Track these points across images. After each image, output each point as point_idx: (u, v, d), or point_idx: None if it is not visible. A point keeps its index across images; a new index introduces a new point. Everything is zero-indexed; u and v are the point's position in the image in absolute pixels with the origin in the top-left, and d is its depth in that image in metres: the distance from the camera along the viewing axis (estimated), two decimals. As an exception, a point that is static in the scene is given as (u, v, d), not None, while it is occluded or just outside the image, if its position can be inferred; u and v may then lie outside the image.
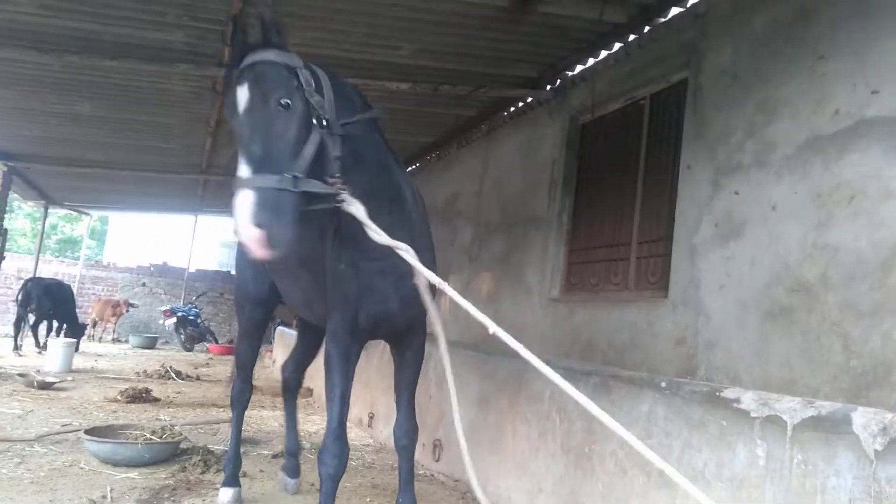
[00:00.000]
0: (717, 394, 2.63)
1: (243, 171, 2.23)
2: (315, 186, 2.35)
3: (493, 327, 2.35)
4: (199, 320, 16.84)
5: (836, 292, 3.25)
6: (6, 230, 9.64)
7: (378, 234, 2.48)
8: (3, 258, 9.69)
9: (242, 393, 4.32)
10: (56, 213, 21.74)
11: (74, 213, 20.04)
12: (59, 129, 7.76)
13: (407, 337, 3.41)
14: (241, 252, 4.26)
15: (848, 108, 3.31)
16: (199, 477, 4.56)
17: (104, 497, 3.89)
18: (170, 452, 4.84)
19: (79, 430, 5.23)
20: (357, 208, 2.47)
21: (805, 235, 3.44)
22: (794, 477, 2.24)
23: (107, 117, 7.12)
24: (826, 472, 2.15)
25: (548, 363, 3.70)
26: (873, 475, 2.02)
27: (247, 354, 4.38)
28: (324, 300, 3.31)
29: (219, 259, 27.48)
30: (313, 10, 4.48)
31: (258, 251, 2.18)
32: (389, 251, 2.55)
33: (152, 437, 4.89)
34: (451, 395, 3.09)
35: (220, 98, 6.20)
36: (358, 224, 2.53)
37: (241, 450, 4.38)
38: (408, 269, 2.79)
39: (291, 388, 4.77)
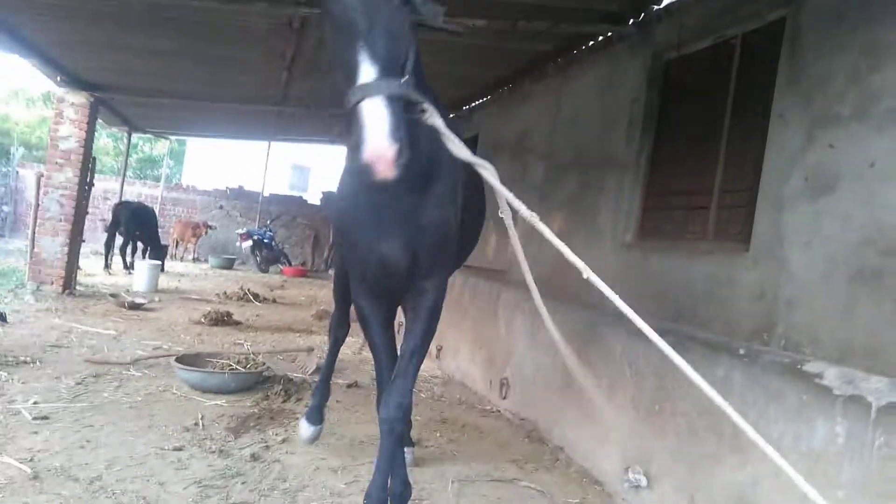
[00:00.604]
0: (799, 367, 2.59)
1: (367, 73, 1.96)
2: (419, 94, 2.11)
3: (587, 272, 2.26)
4: (273, 243, 17.44)
5: (934, 259, 3.08)
6: (95, 158, 10.08)
7: (460, 148, 2.28)
8: (93, 185, 10.17)
9: (340, 326, 4.25)
10: (136, 135, 22.54)
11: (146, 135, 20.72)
12: (142, 62, 7.94)
13: (418, 292, 2.98)
14: (347, 187, 3.98)
15: (968, 59, 3.03)
16: (281, 406, 4.86)
17: (196, 424, 4.21)
18: (253, 381, 5.16)
19: (170, 356, 5.62)
20: (438, 119, 2.21)
21: (905, 196, 3.25)
22: (875, 459, 2.22)
23: (187, 51, 7.22)
24: (910, 457, 2.12)
25: (620, 316, 3.70)
26: (962, 466, 1.97)
27: (344, 290, 4.18)
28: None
29: (290, 181, 28.12)
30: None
31: (387, 171, 1.92)
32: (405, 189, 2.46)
33: (237, 366, 5.21)
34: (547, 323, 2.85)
35: (296, 34, 6.20)
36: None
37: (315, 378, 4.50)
38: (425, 208, 2.71)
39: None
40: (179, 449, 3.69)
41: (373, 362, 3.34)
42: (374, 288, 2.93)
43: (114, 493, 3.02)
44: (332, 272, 19.17)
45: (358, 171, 1.98)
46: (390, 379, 2.95)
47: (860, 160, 3.52)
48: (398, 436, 2.91)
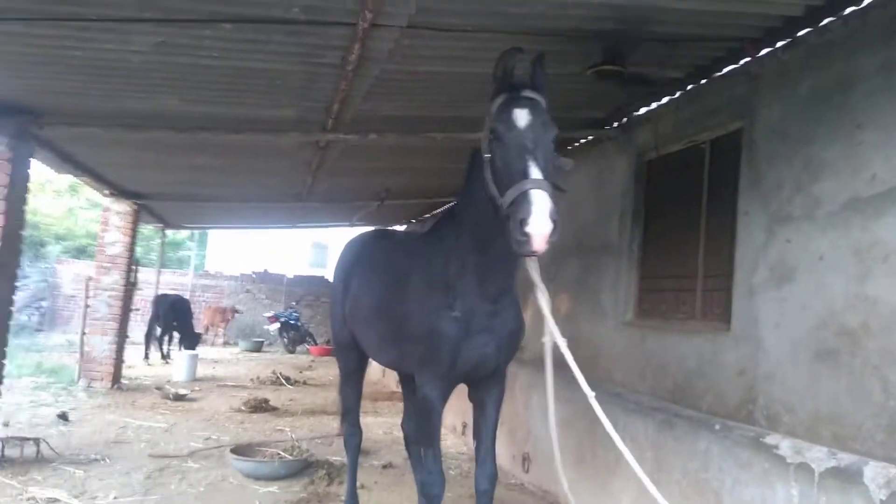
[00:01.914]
0: (761, 439, 3.17)
1: (535, 172, 2.62)
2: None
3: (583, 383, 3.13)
4: (299, 323, 18.15)
5: (875, 339, 3.67)
6: (138, 260, 10.93)
7: (533, 268, 3.11)
8: (136, 285, 10.99)
9: (352, 437, 4.76)
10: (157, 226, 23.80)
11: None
12: (180, 174, 8.86)
13: (491, 383, 3.67)
14: (333, 300, 4.85)
15: (883, 175, 3.70)
16: (326, 489, 5.44)
17: (255, 510, 4.79)
18: (300, 467, 5.75)
19: (224, 447, 6.23)
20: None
21: (847, 286, 3.87)
22: (820, 515, 2.78)
23: (221, 166, 8.11)
24: (843, 514, 2.68)
25: (620, 397, 4.35)
26: (878, 520, 2.54)
27: (350, 398, 4.80)
28: (398, 346, 3.78)
29: (311, 259, 29.06)
30: (404, 87, 5.18)
31: (542, 244, 2.50)
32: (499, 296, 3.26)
33: (285, 454, 5.81)
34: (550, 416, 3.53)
35: (321, 150, 7.04)
36: (472, 271, 3.25)
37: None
38: (510, 313, 3.43)
39: (414, 441, 4.82)
40: (245, 533, 4.28)
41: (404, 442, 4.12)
42: (452, 383, 3.54)
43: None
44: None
45: (518, 244, 2.57)
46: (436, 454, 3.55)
47: (811, 254, 4.17)
48: (490, 500, 3.58)
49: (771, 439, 3.11)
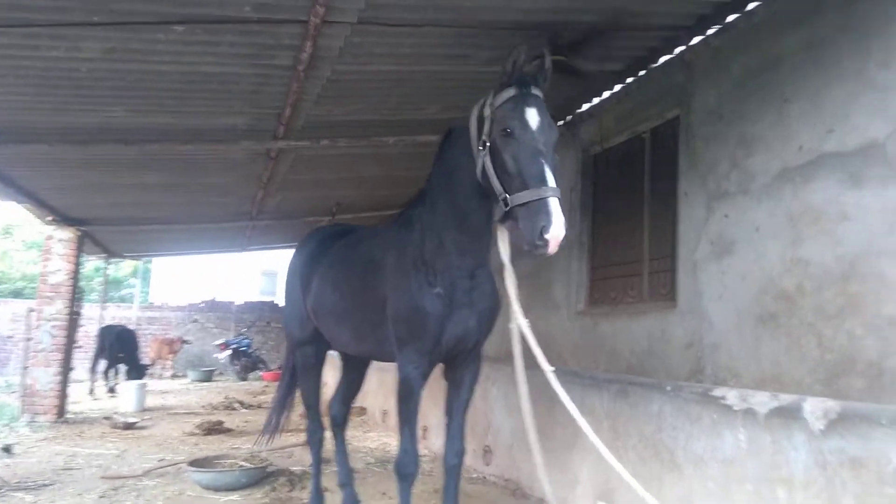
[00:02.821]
0: (709, 393, 3.31)
1: (551, 180, 2.76)
2: None
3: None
4: (250, 350, 17.82)
5: (810, 299, 3.90)
6: (82, 289, 10.62)
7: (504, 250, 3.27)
8: (80, 315, 10.67)
9: (315, 433, 4.77)
10: (99, 258, 23.19)
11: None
12: (127, 196, 8.68)
13: (469, 359, 3.77)
14: (290, 297, 4.86)
15: (810, 144, 3.97)
16: (288, 494, 5.36)
17: (217, 516, 4.69)
18: (260, 476, 5.66)
19: (179, 463, 6.08)
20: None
21: (783, 252, 4.10)
22: (767, 454, 2.92)
23: (171, 183, 7.99)
24: (787, 448, 2.84)
25: (576, 374, 4.47)
26: (819, 449, 2.70)
27: (310, 394, 4.80)
28: (376, 333, 3.84)
29: (260, 287, 28.61)
30: (355, 88, 5.25)
31: (556, 247, 2.74)
32: (476, 270, 3.42)
33: (244, 463, 5.71)
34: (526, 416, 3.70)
35: (273, 161, 7.05)
36: (450, 247, 3.39)
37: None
38: (487, 287, 3.57)
39: (339, 423, 5.02)
40: (209, 534, 4.19)
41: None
42: (433, 361, 3.62)
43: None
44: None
45: (534, 247, 2.75)
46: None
47: (748, 226, 4.41)
48: (458, 476, 3.72)
49: (718, 391, 3.26)
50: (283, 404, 5.12)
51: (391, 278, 3.66)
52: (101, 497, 5.22)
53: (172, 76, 4.63)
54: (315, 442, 4.79)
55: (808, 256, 3.93)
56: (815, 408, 2.71)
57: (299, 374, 4.90)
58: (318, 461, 4.80)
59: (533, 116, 2.90)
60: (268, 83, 4.88)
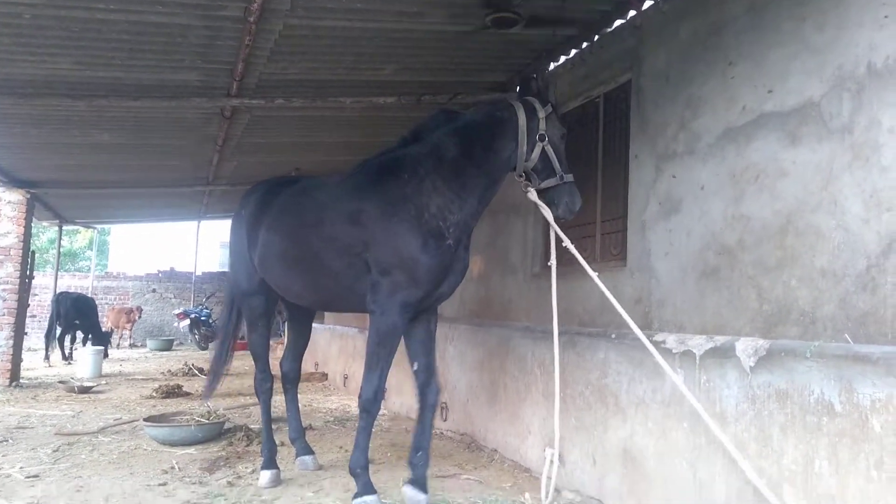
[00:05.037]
0: (651, 338, 3.45)
1: (570, 175, 3.93)
2: None
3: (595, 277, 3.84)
4: (210, 320, 17.66)
5: (750, 253, 4.06)
6: (34, 252, 10.39)
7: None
8: (33, 277, 10.45)
9: (264, 382, 4.78)
10: (56, 228, 22.61)
11: (73, 227, 20.78)
12: (78, 157, 8.51)
13: (432, 311, 4.17)
14: (234, 249, 4.86)
15: (751, 105, 4.10)
16: (246, 448, 5.42)
17: (172, 468, 4.74)
18: (217, 431, 5.69)
19: (135, 421, 6.08)
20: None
21: (726, 208, 4.26)
22: (702, 392, 3.08)
23: (123, 143, 7.85)
24: (721, 385, 3.00)
25: (528, 329, 4.58)
26: (749, 384, 2.85)
27: (259, 345, 4.81)
28: (341, 281, 4.00)
29: (220, 259, 28.26)
30: (309, 45, 5.22)
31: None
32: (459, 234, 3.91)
33: (201, 419, 5.74)
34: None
35: (228, 121, 6.96)
36: (464, 205, 3.87)
37: (275, 427, 5.09)
38: (461, 256, 3.99)
39: (292, 379, 5.14)
40: (164, 484, 4.23)
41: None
42: (417, 310, 3.95)
43: (118, 517, 3.56)
44: (271, 343, 19.27)
45: (569, 212, 3.98)
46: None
47: (694, 185, 4.56)
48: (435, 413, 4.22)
49: (659, 336, 3.40)
50: (223, 358, 5.12)
51: (385, 225, 3.80)
52: (55, 451, 5.22)
53: (120, 25, 4.55)
54: (265, 391, 4.78)
55: (749, 212, 4.09)
56: (746, 346, 2.87)
57: (247, 326, 4.87)
58: (269, 410, 4.80)
59: (558, 124, 4.07)
60: (219, 36, 4.83)
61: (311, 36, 5.04)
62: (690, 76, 4.63)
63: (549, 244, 6.50)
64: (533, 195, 3.96)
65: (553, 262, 4.12)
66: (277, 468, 4.49)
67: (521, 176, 3.98)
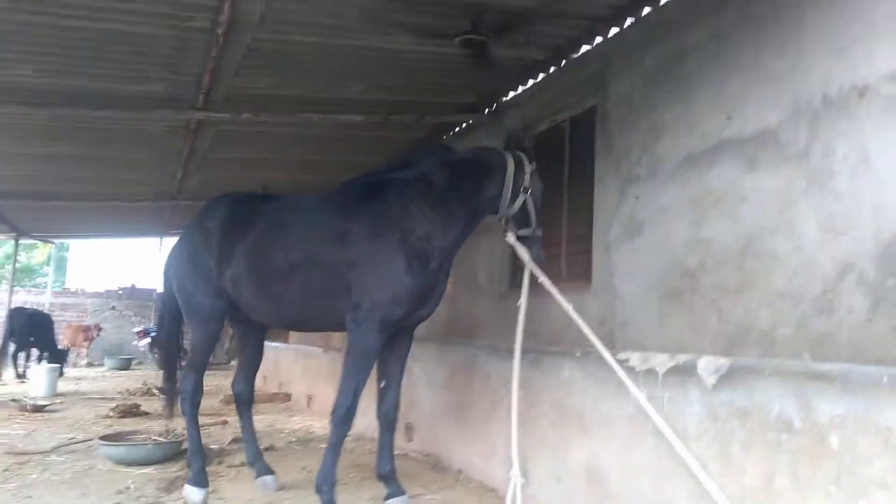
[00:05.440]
0: (615, 356, 3.48)
1: (540, 230, 4.33)
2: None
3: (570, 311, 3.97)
4: (171, 339, 17.28)
5: (711, 276, 4.15)
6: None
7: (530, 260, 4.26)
8: (-14, 291, 10.12)
9: (199, 391, 4.57)
10: (11, 242, 21.95)
11: (31, 242, 20.23)
12: (36, 167, 8.31)
13: (409, 333, 4.37)
14: (196, 269, 4.50)
15: (712, 131, 4.21)
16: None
17: (128, 488, 4.61)
18: (175, 451, 5.55)
19: (90, 440, 5.89)
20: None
21: (687, 231, 4.34)
22: (666, 409, 3.11)
23: (84, 155, 7.69)
24: (683, 403, 3.04)
25: (494, 348, 4.58)
26: (711, 402, 2.90)
27: (203, 357, 4.65)
28: (323, 301, 4.03)
29: (182, 278, 27.71)
30: (278, 61, 5.23)
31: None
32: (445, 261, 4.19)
33: (159, 438, 5.59)
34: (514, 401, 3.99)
35: (192, 134, 6.89)
36: (449, 233, 4.12)
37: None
38: (440, 282, 4.19)
39: (245, 401, 5.02)
40: (118, 504, 4.11)
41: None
42: (391, 331, 4.07)
43: (69, 539, 3.44)
44: (233, 363, 18.94)
45: (539, 258, 4.22)
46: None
47: (656, 208, 4.64)
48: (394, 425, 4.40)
49: (623, 355, 3.44)
50: (172, 376, 4.98)
51: (370, 247, 3.92)
52: (5, 471, 5.03)
53: (84, 33, 4.48)
54: (195, 404, 4.55)
55: (710, 236, 4.18)
56: (707, 364, 2.91)
57: (199, 345, 4.63)
58: (197, 418, 4.60)
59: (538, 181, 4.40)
60: (186, 47, 4.80)
61: (279, 51, 5.04)
62: (654, 102, 4.74)
63: (517, 271, 6.59)
64: (511, 238, 4.23)
65: (523, 301, 4.28)
66: (207, 487, 4.39)
67: (500, 220, 4.30)
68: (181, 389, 4.62)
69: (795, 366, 2.62)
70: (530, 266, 4.17)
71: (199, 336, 4.61)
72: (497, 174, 4.18)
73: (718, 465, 2.82)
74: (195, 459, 4.42)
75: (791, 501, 2.50)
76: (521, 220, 4.23)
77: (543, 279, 4.09)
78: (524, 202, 4.20)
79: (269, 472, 4.77)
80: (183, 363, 4.95)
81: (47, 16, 4.27)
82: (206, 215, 4.72)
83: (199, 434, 4.56)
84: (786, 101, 3.70)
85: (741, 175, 3.99)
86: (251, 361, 5.12)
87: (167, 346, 5.13)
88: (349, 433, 4.03)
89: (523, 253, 4.18)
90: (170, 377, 5.00)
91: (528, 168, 4.24)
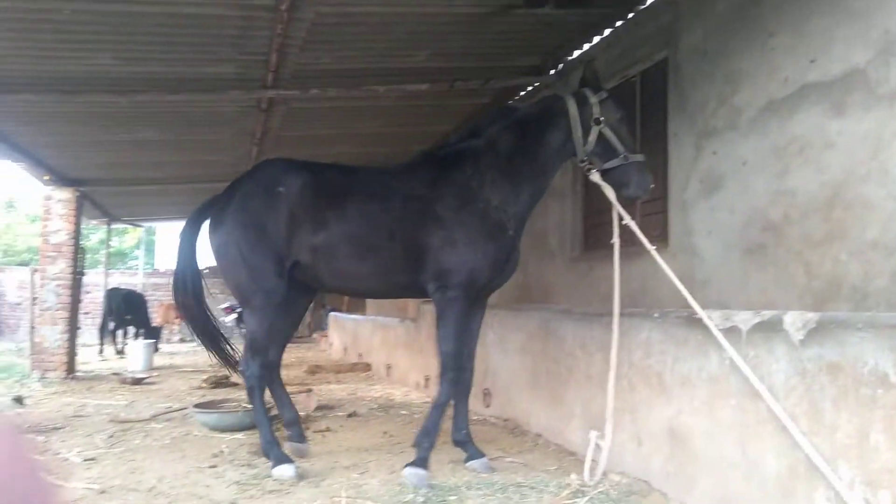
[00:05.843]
0: (694, 316, 3.39)
1: (639, 155, 4.06)
2: None
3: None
4: (255, 314, 17.95)
5: (796, 228, 3.96)
6: (84, 249, 10.72)
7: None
8: (85, 274, 10.79)
9: (262, 379, 4.44)
10: (104, 229, 23.22)
11: (122, 227, 21.34)
12: (123, 154, 8.73)
13: (483, 299, 4.44)
14: (263, 233, 4.20)
15: (794, 76, 3.99)
16: (291, 434, 5.48)
17: (222, 452, 4.85)
18: (264, 418, 5.78)
19: (186, 409, 6.24)
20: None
21: (769, 183, 4.15)
22: (750, 367, 3.01)
23: (165, 139, 8.03)
24: (769, 360, 2.93)
25: (568, 311, 4.55)
26: (799, 358, 2.78)
27: (265, 347, 4.46)
28: (406, 266, 4.09)
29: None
30: (341, 33, 5.26)
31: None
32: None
33: (249, 405, 5.85)
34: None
35: (265, 114, 7.06)
36: (521, 196, 4.16)
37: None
38: (516, 248, 4.25)
39: (277, 366, 4.89)
40: (214, 466, 4.35)
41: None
42: (475, 295, 4.21)
43: (169, 496, 3.67)
44: (315, 336, 19.39)
45: (642, 190, 4.05)
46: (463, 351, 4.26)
47: (736, 161, 4.45)
48: (468, 391, 4.45)
49: (704, 313, 3.34)
50: (223, 354, 5.07)
51: (453, 214, 4.05)
52: (110, 437, 5.39)
53: (154, 18, 4.65)
54: (262, 391, 4.46)
55: (794, 186, 3.98)
56: (794, 319, 2.79)
57: (261, 328, 4.33)
58: (264, 410, 4.44)
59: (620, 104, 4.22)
60: (252, 26, 4.90)
61: (342, 23, 5.07)
62: (729, 50, 4.52)
63: (589, 234, 6.49)
64: (595, 176, 4.04)
65: (616, 240, 4.12)
66: (293, 462, 4.17)
67: (582, 161, 4.10)
68: (245, 376, 4.42)
69: (891, 318, 2.48)
70: (617, 207, 4.06)
71: (262, 318, 4.28)
72: (559, 120, 4.11)
73: (807, 422, 2.71)
74: (271, 448, 4.23)
75: (888, 459, 2.38)
76: (605, 152, 4.04)
77: (627, 219, 3.96)
78: (600, 134, 4.03)
79: (304, 438, 4.70)
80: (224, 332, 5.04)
81: (120, 3, 4.45)
82: (268, 180, 4.33)
83: (269, 423, 4.39)
84: (874, 39, 3.45)
85: (827, 120, 3.77)
86: (289, 327, 4.96)
87: (205, 329, 5.02)
88: (424, 401, 4.07)
89: (609, 192, 4.04)
90: (220, 353, 5.00)
91: (593, 99, 4.08)
